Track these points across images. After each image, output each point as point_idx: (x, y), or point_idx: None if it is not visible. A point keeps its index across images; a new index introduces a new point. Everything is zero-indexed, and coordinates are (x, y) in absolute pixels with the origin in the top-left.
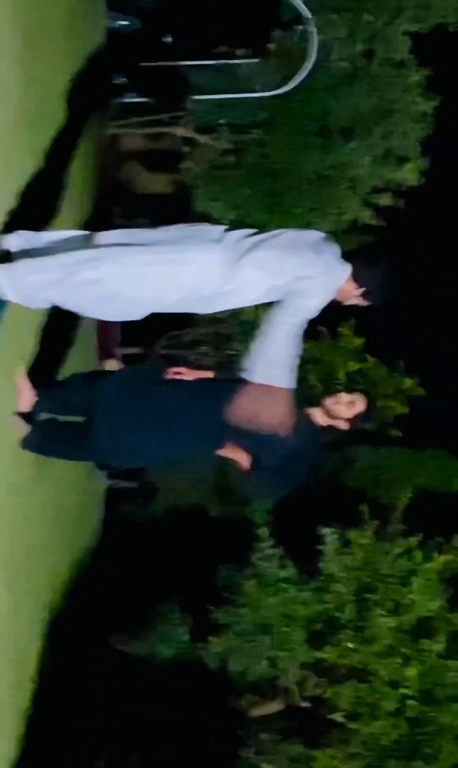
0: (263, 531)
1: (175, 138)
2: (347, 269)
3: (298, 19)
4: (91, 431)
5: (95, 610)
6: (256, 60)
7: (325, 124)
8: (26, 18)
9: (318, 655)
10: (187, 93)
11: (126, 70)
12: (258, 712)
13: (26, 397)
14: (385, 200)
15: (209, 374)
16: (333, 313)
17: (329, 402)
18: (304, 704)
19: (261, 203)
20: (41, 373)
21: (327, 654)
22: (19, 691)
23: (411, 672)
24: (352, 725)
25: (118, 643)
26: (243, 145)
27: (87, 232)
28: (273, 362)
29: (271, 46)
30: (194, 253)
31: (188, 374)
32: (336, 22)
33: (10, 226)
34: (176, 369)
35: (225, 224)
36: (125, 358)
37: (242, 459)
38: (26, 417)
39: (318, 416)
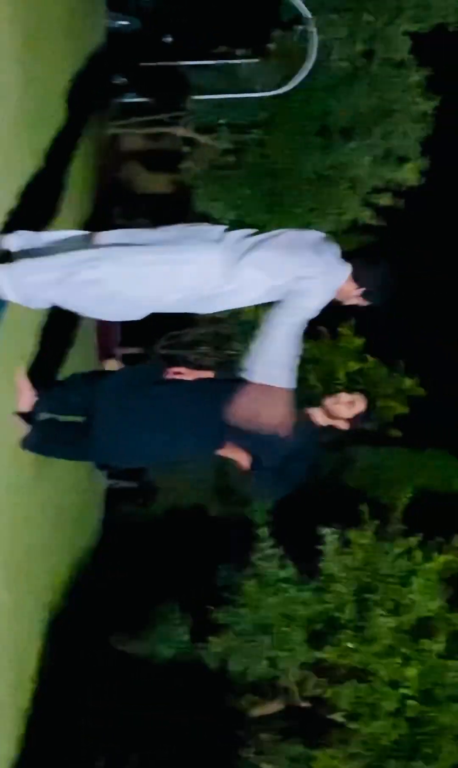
0: (263, 531)
1: (175, 138)
2: (347, 269)
3: (298, 19)
4: (91, 431)
5: (95, 610)
6: (256, 60)
7: (325, 124)
8: (26, 18)
9: (318, 655)
10: (187, 93)
11: (126, 70)
12: (258, 712)
13: (26, 397)
14: (385, 200)
15: (209, 374)
16: (334, 313)
17: (329, 402)
18: (304, 704)
19: (262, 203)
20: (41, 373)
21: (327, 654)
22: (19, 691)
23: (411, 672)
24: (352, 725)
25: (118, 643)
26: (243, 145)
27: (87, 232)
28: (273, 362)
29: (271, 46)
30: (194, 253)
31: (188, 374)
32: (336, 22)
33: (10, 226)
34: (176, 369)
35: (225, 224)
36: (125, 358)
37: (242, 459)
38: (26, 417)
39: (318, 416)
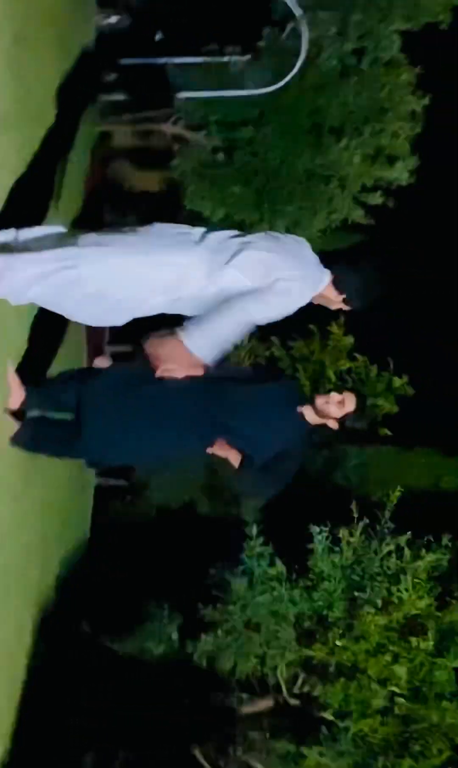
0: (253, 529)
1: (165, 136)
2: (327, 276)
3: (289, 16)
4: (82, 429)
5: (85, 608)
6: (247, 58)
7: (316, 122)
8: (15, 15)
9: (308, 652)
10: (177, 90)
11: (116, 67)
12: (247, 709)
13: (16, 395)
14: (375, 199)
15: (199, 372)
16: (323, 312)
17: (319, 401)
18: (294, 702)
19: (251, 201)
20: (31, 370)
21: (317, 652)
22: (8, 689)
23: (401, 670)
24: (342, 723)
25: (107, 641)
26: (233, 143)
27: (70, 230)
28: (211, 337)
29: (262, 43)
30: (176, 255)
31: (178, 372)
32: (326, 20)
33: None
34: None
35: (214, 222)
36: (115, 356)
37: (232, 457)
38: (16, 414)
39: (308, 415)
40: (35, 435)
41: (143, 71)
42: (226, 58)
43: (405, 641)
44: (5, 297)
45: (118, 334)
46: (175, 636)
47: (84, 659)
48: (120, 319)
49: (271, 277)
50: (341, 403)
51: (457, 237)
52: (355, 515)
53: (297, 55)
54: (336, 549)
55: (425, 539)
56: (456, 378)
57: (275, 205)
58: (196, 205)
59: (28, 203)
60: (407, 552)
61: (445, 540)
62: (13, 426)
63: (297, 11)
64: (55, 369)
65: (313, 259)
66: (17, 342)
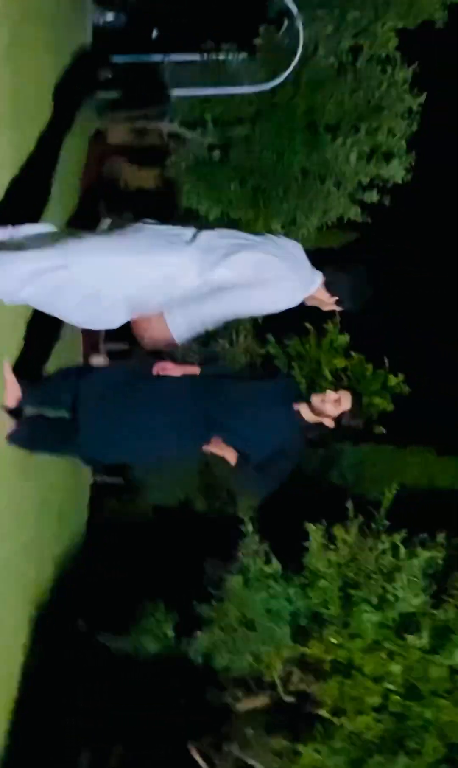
0: (248, 527)
1: (161, 133)
2: (318, 278)
3: (285, 14)
4: (78, 427)
5: (81, 606)
6: (243, 55)
7: (312, 120)
8: (11, 12)
9: (303, 650)
10: (173, 88)
11: (111, 64)
12: (242, 707)
13: (13, 392)
14: (371, 197)
15: (195, 369)
16: (319, 309)
17: (315, 400)
18: (289, 699)
19: (247, 199)
20: (28, 367)
21: (312, 649)
22: (4, 686)
23: (396, 667)
24: (337, 720)
25: (103, 638)
26: (229, 140)
27: (64, 230)
28: (190, 320)
29: (258, 41)
30: (167, 255)
31: (174, 369)
32: (322, 17)
33: None
34: (162, 364)
35: (210, 220)
36: (111, 354)
37: (229, 455)
38: (13, 412)
39: (305, 413)
40: (32, 433)
41: (138, 69)
42: (222, 56)
43: (401, 639)
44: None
45: (114, 331)
46: (170, 633)
47: (80, 657)
48: (113, 321)
49: (262, 277)
50: (337, 401)
51: (454, 235)
52: (350, 513)
53: (293, 52)
54: (332, 547)
55: (420, 537)
56: (452, 376)
57: (270, 203)
58: (191, 202)
59: (24, 201)
60: (402, 550)
61: (440, 538)
62: (10, 424)
63: (293, 9)
64: (51, 366)
65: (305, 261)
66: (13, 339)
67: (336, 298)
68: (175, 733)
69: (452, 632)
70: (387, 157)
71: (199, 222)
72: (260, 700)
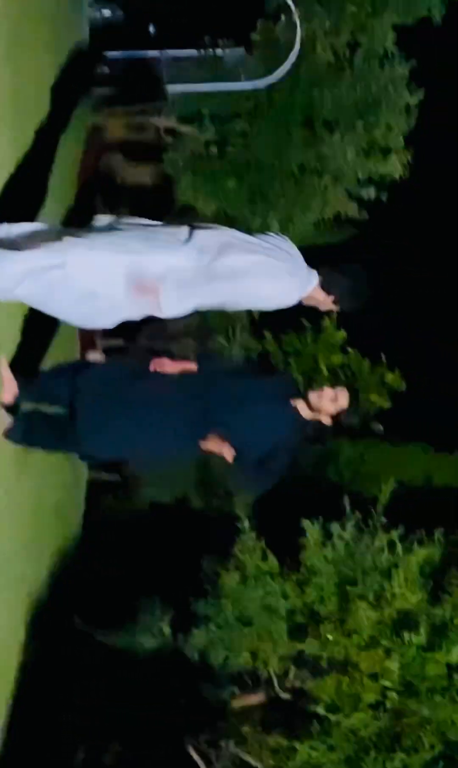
0: (245, 524)
1: (159, 129)
2: (314, 278)
3: (283, 9)
4: (75, 423)
5: (77, 602)
6: (241, 51)
7: (309, 115)
8: (11, 12)
9: (300, 647)
10: (170, 84)
11: (108, 60)
12: (239, 703)
13: (9, 388)
14: (368, 193)
15: (192, 365)
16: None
17: (312, 396)
18: (286, 696)
19: (244, 195)
20: (24, 363)
21: (309, 646)
22: (1, 684)
23: (393, 664)
24: (333, 717)
25: (99, 635)
26: (226, 136)
27: (61, 228)
28: (182, 301)
29: (256, 36)
30: (163, 254)
31: (171, 365)
32: (320, 13)
33: None
34: (159, 360)
35: (206, 216)
36: (107, 350)
37: (226, 452)
38: (9, 408)
39: (302, 409)
40: (28, 429)
41: (135, 64)
42: (219, 51)
43: (398, 636)
44: None
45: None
46: (167, 630)
47: (76, 654)
48: (108, 321)
49: (257, 277)
50: (334, 398)
51: (451, 231)
52: (347, 510)
53: (290, 48)
54: (329, 544)
55: (417, 534)
56: (449, 373)
57: (268, 198)
58: (188, 198)
59: (21, 198)
60: (399, 547)
61: (437, 535)
62: (6, 420)
63: (291, 4)
64: (48, 363)
65: (301, 261)
66: (10, 336)
67: (334, 297)
68: (171, 730)
69: (449, 629)
70: (385, 153)
71: (196, 219)
72: (256, 697)
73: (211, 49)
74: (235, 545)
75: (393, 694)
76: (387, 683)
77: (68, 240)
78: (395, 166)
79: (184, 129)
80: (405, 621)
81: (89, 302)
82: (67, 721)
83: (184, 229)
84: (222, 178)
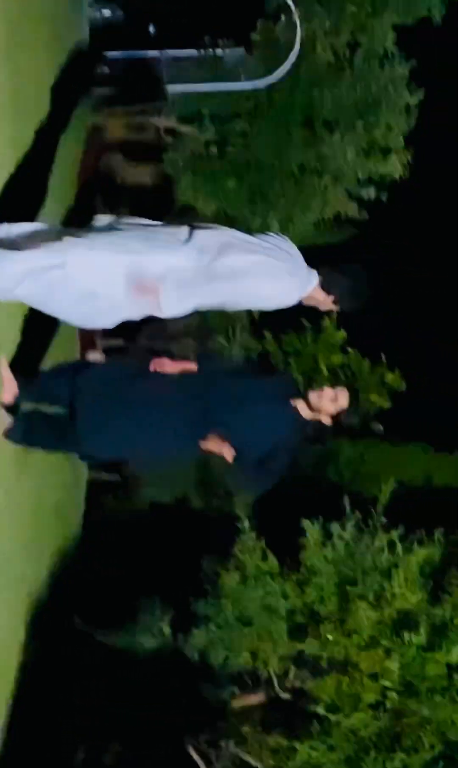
0: (245, 524)
1: (159, 128)
2: (314, 278)
3: (283, 9)
4: (75, 423)
5: (78, 603)
6: (241, 51)
7: (309, 115)
8: (10, 12)
9: (300, 647)
10: (170, 84)
11: (108, 60)
12: (239, 703)
13: (9, 388)
14: (368, 193)
15: (192, 365)
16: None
17: (312, 396)
18: (285, 696)
19: (244, 195)
20: (24, 363)
21: (309, 646)
22: (1, 684)
23: (393, 664)
24: (333, 717)
25: (100, 635)
26: (226, 136)
27: (60, 228)
28: (182, 301)
29: (256, 36)
30: (163, 254)
31: (171, 365)
32: (320, 13)
33: None
34: (159, 360)
35: (206, 215)
36: (107, 350)
37: (226, 451)
38: (9, 408)
39: (302, 409)
40: (28, 429)
41: (135, 64)
42: (219, 51)
43: (398, 636)
44: None
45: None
46: (167, 630)
47: (76, 654)
48: (107, 321)
49: (257, 277)
50: (334, 398)
51: (451, 231)
52: (347, 510)
53: (290, 48)
54: (329, 544)
55: (417, 534)
56: (449, 373)
57: (268, 198)
58: (188, 198)
59: (21, 198)
60: (399, 547)
61: (437, 535)
62: (6, 420)
63: (291, 4)
64: (48, 363)
65: (301, 261)
66: (10, 336)
67: (334, 297)
68: (171, 730)
69: (449, 629)
70: (385, 153)
71: (196, 219)
72: (256, 697)
73: (211, 49)
74: (235, 545)
75: (393, 694)
76: (387, 683)
77: (68, 240)
78: (395, 166)
79: (184, 129)
80: (405, 621)
81: (89, 302)
82: (67, 721)
83: (184, 229)
84: (222, 178)
